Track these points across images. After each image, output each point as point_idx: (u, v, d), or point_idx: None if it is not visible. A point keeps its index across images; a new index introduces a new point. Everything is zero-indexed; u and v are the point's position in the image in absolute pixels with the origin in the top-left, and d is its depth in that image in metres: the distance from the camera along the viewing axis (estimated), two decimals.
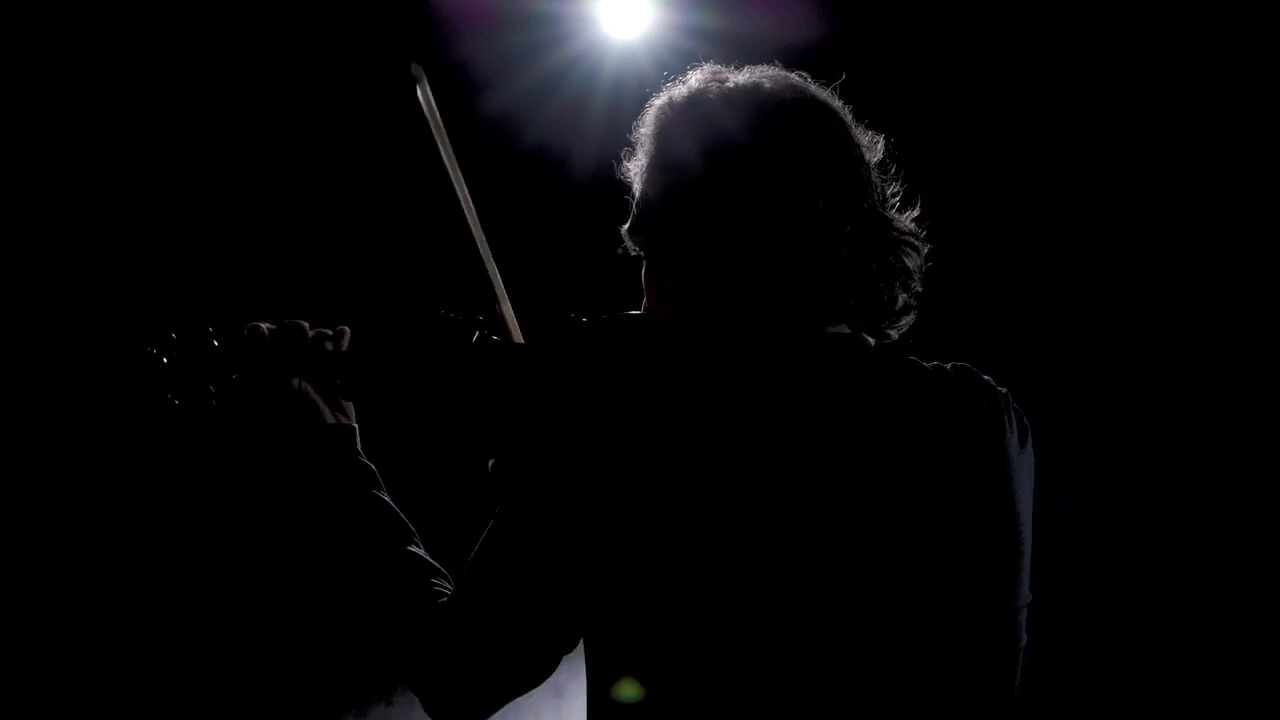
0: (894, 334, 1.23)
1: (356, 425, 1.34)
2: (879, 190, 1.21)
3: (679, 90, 1.23)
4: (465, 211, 1.27)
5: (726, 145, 1.16)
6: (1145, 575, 3.36)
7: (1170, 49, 3.27)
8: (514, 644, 1.09)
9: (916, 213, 1.25)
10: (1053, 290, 3.52)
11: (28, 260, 2.98)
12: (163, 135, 3.15)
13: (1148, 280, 3.44)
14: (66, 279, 3.03)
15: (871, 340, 1.20)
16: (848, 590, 1.04)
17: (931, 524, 1.08)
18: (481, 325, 1.23)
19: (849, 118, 1.22)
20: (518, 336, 1.27)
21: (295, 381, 1.31)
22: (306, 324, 1.33)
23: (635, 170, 1.27)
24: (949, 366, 1.19)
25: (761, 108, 1.18)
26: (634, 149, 1.27)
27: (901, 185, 1.25)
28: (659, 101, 1.24)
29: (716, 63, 1.26)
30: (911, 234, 1.22)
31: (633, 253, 1.28)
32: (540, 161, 3.41)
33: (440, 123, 1.26)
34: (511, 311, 1.28)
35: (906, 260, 1.21)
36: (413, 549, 1.23)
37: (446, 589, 1.19)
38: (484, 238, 1.28)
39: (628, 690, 1.07)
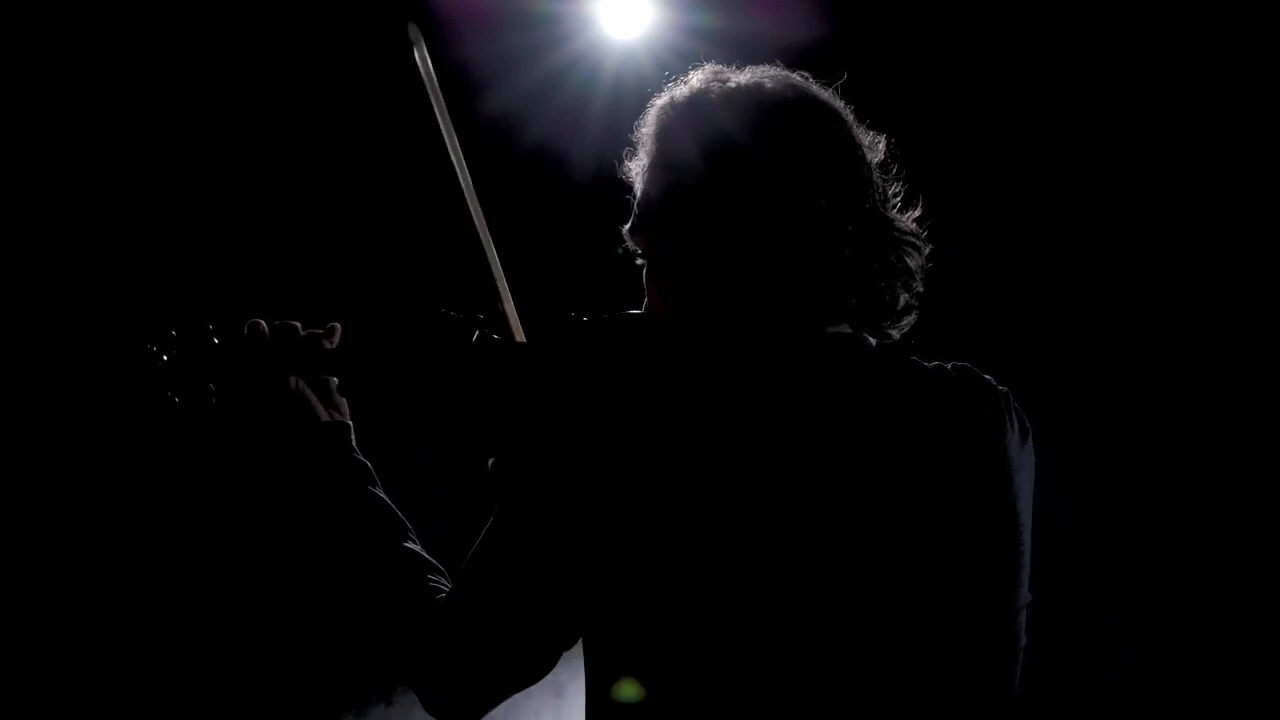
0: (895, 334, 1.23)
1: (351, 422, 1.34)
2: (880, 190, 1.21)
3: (681, 90, 1.23)
4: (463, 187, 1.27)
5: (728, 145, 1.16)
6: (1145, 575, 3.36)
7: (1170, 49, 3.27)
8: (513, 641, 1.09)
9: (918, 213, 1.25)
10: (1053, 290, 3.52)
11: (29, 258, 2.98)
12: (162, 133, 3.15)
13: (1148, 280, 3.44)
14: (67, 277, 3.03)
15: (873, 340, 1.20)
16: (847, 590, 1.04)
17: (931, 524, 1.08)
18: (482, 324, 1.23)
19: (851, 118, 1.22)
20: (519, 335, 1.27)
21: (292, 380, 1.32)
22: (299, 324, 1.34)
23: (637, 170, 1.26)
24: (950, 366, 1.19)
25: (763, 107, 1.18)
26: (635, 149, 1.27)
27: (903, 185, 1.25)
28: (660, 101, 1.24)
29: (718, 63, 1.26)
30: (913, 234, 1.22)
31: (634, 253, 1.28)
32: (540, 161, 3.41)
33: (438, 89, 1.26)
34: (514, 309, 1.28)
35: (908, 260, 1.21)
36: (409, 545, 1.24)
37: (444, 585, 1.19)
38: (485, 224, 1.28)
39: (627, 690, 1.07)
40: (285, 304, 1.52)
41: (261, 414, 1.31)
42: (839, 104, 1.23)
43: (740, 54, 1.28)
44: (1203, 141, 3.32)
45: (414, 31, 1.27)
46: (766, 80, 1.21)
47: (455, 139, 1.28)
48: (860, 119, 1.23)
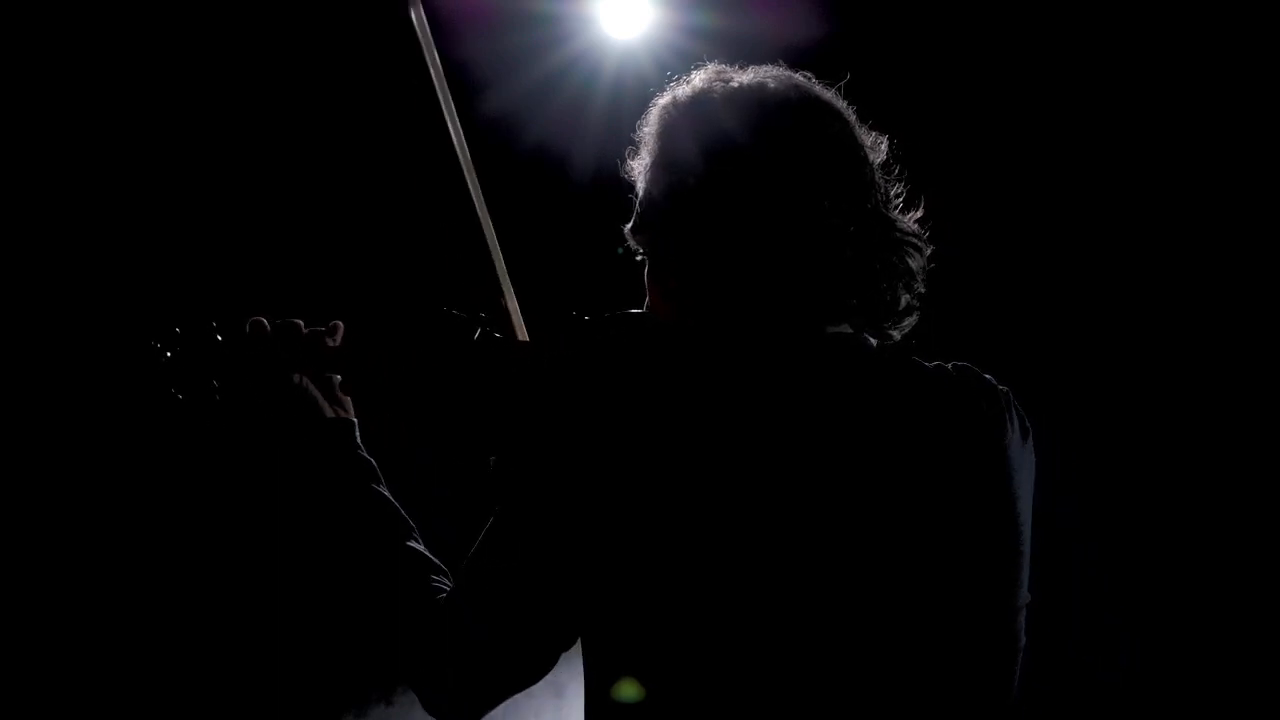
0: (897, 334, 1.23)
1: (356, 420, 1.34)
2: (883, 191, 1.21)
3: (683, 89, 1.23)
4: (468, 184, 1.27)
5: (730, 145, 1.16)
6: (1145, 575, 3.36)
7: (1171, 49, 3.27)
8: (513, 642, 1.09)
9: (920, 213, 1.25)
10: (1053, 290, 3.52)
11: (33, 255, 2.98)
12: (165, 131, 3.15)
13: (1148, 280, 3.44)
14: (71, 274, 3.03)
15: (873, 340, 1.20)
16: (847, 590, 1.04)
17: (931, 524, 1.08)
18: (484, 322, 1.23)
19: (853, 118, 1.22)
20: (522, 333, 1.27)
21: (296, 377, 1.32)
22: (301, 322, 1.34)
23: (639, 169, 1.26)
24: (950, 366, 1.19)
25: (765, 107, 1.18)
26: (637, 148, 1.27)
27: (905, 186, 1.25)
28: (663, 101, 1.24)
29: (721, 62, 1.26)
30: (915, 235, 1.22)
31: (635, 252, 1.28)
32: (540, 161, 3.41)
33: (435, 54, 1.26)
34: (516, 307, 1.28)
35: (910, 261, 1.20)
36: (412, 544, 1.24)
37: (446, 585, 1.19)
38: (490, 221, 1.28)
39: (627, 690, 1.07)
40: (289, 301, 1.52)
41: (264, 411, 1.31)
42: (842, 104, 1.23)
43: (740, 54, 1.28)
44: (1203, 142, 3.32)
45: None
46: (769, 80, 1.21)
47: (456, 118, 1.27)
48: (862, 120, 1.23)
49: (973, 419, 1.15)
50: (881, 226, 1.19)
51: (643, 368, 1.10)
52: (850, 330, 1.18)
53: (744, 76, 1.22)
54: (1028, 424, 1.21)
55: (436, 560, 1.23)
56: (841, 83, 1.25)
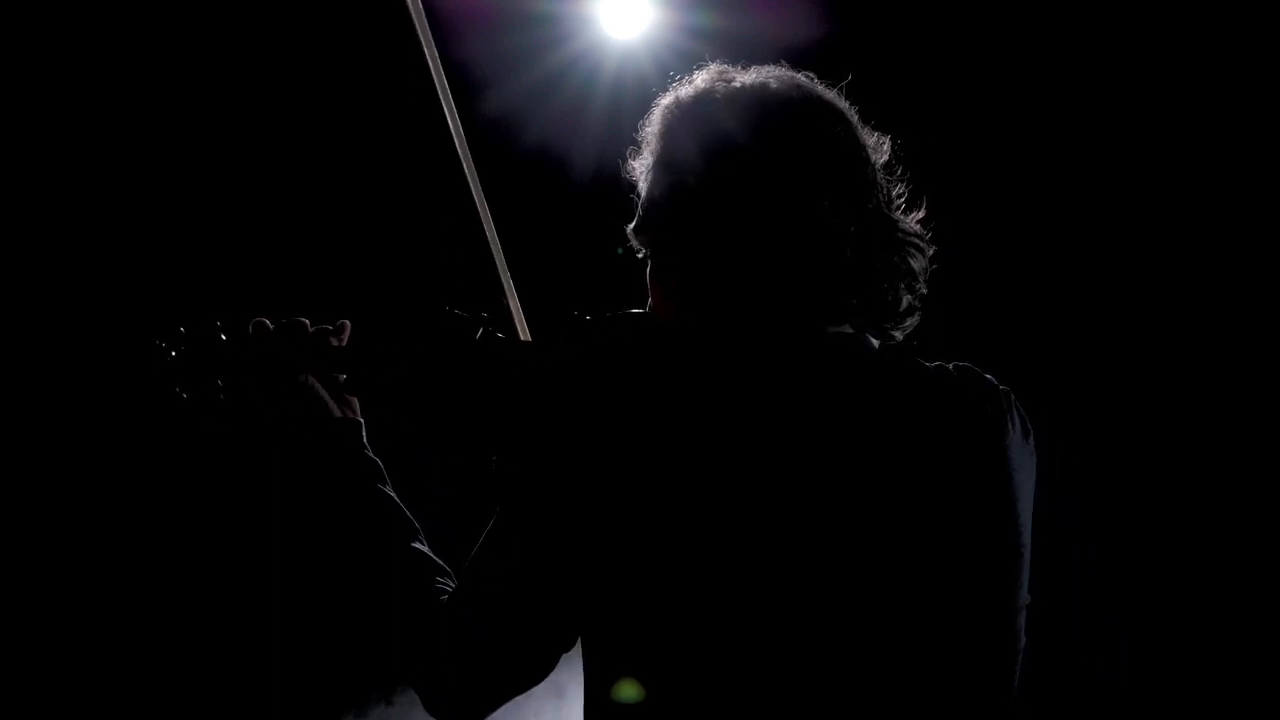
0: (898, 335, 1.23)
1: (362, 420, 1.34)
2: (884, 191, 1.21)
3: (685, 89, 1.23)
4: (470, 181, 1.27)
5: (731, 145, 1.16)
6: (1145, 575, 3.36)
7: (1171, 49, 3.27)
8: (513, 643, 1.09)
9: (922, 214, 1.25)
10: (1054, 291, 3.53)
11: (38, 255, 2.98)
12: (167, 131, 3.15)
13: (1148, 281, 3.44)
14: (76, 274, 3.03)
15: (874, 341, 1.19)
16: (847, 590, 1.04)
17: (932, 524, 1.08)
18: (486, 322, 1.23)
19: (855, 118, 1.22)
20: (524, 333, 1.27)
21: (302, 376, 1.32)
22: (307, 321, 1.34)
23: (640, 169, 1.26)
24: (951, 366, 1.19)
25: (767, 107, 1.17)
26: (639, 147, 1.27)
27: (907, 186, 1.25)
28: (665, 100, 1.24)
29: (723, 63, 1.26)
30: (916, 235, 1.22)
31: (637, 252, 1.28)
32: (540, 161, 3.41)
33: (436, 54, 1.26)
34: (518, 306, 1.28)
35: (911, 261, 1.20)
36: (417, 546, 1.24)
37: (449, 587, 1.19)
38: (491, 220, 1.28)
39: (627, 690, 1.07)
40: (292, 301, 1.52)
41: (269, 410, 1.31)
42: (844, 105, 1.22)
43: (740, 54, 1.28)
44: (1203, 142, 3.32)
45: None
46: (771, 80, 1.21)
47: (457, 118, 1.27)
48: (865, 120, 1.23)
49: (974, 419, 1.14)
50: (883, 227, 1.19)
51: (644, 368, 1.10)
52: (851, 330, 1.18)
53: (746, 77, 1.22)
54: (1029, 424, 1.21)
55: (441, 562, 1.23)
56: (843, 83, 1.25)
